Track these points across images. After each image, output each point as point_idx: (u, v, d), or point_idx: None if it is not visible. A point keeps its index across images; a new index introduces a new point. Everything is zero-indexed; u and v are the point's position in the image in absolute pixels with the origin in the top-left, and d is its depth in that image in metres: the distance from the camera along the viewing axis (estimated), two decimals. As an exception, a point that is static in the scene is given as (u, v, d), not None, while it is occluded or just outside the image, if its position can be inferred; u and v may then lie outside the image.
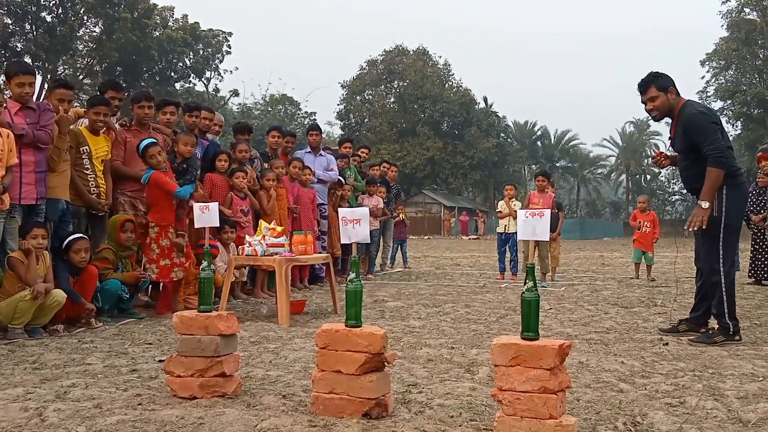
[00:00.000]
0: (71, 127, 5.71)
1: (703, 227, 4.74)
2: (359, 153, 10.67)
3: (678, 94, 5.00)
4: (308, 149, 9.24)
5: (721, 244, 4.81)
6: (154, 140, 5.98)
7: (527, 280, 2.45)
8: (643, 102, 5.08)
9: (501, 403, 2.42)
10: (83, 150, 5.79)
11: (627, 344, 4.64)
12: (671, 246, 16.66)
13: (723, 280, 4.81)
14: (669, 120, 5.10)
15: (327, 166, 9.14)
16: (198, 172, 6.79)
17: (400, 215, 12.94)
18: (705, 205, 4.76)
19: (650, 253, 10.32)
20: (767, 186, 9.49)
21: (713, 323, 4.96)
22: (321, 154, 9.22)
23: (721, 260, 4.80)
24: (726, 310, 4.80)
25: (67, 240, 5.29)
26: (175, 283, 6.04)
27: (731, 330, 4.80)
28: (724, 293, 4.82)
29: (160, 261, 5.91)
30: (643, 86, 5.06)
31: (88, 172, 5.84)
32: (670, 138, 5.21)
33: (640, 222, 10.47)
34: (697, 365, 3.94)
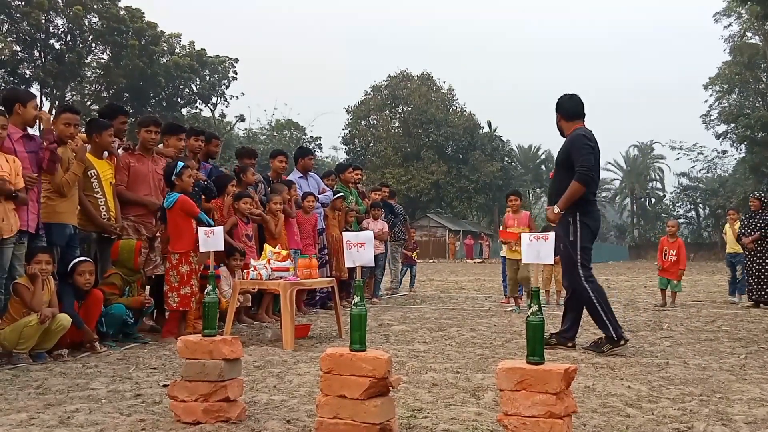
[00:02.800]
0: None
1: (552, 224, 5.51)
2: (354, 175, 10.56)
3: (567, 119, 5.59)
4: (300, 174, 9.14)
5: (579, 265, 5.33)
6: (185, 164, 6.09)
7: (532, 304, 2.44)
8: None
9: (507, 428, 2.40)
10: (91, 173, 5.82)
11: (633, 368, 4.60)
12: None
13: (591, 295, 5.29)
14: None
15: (318, 187, 9.15)
16: (215, 194, 6.92)
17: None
18: (556, 209, 5.40)
19: (675, 280, 9.79)
20: (758, 210, 9.92)
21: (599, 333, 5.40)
22: (311, 177, 9.23)
23: (582, 278, 5.32)
24: (606, 320, 5.24)
25: (71, 263, 5.30)
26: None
27: (615, 336, 5.22)
28: (597, 305, 5.27)
29: (180, 289, 5.90)
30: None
31: (98, 195, 5.87)
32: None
33: (666, 250, 9.97)
34: (704, 390, 3.90)
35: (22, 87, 37.89)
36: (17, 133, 5.21)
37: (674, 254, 9.90)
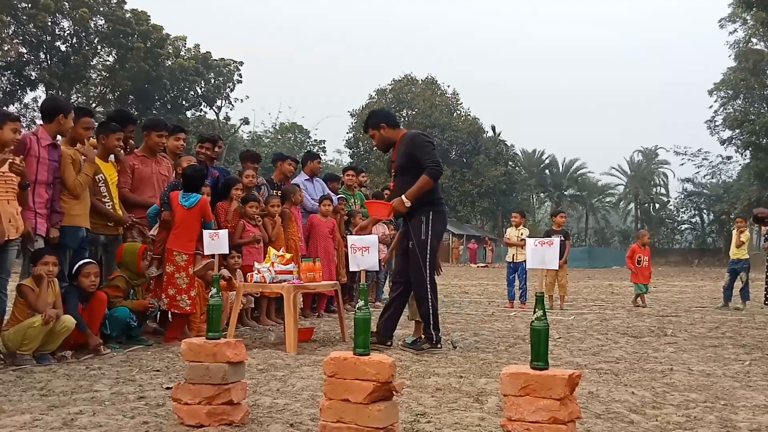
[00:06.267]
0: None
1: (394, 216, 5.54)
2: (352, 178, 10.47)
3: (393, 126, 5.76)
4: (307, 176, 9.14)
5: (427, 263, 5.49)
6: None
7: (536, 309, 2.44)
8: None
9: (510, 434, 2.39)
10: (99, 178, 5.84)
11: (637, 374, 4.59)
12: (681, 275, 16.51)
13: (429, 296, 5.48)
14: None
15: (323, 191, 9.16)
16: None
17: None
18: (407, 203, 5.42)
19: (647, 284, 10.94)
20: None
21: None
22: (316, 181, 9.25)
23: (427, 278, 5.49)
24: (431, 321, 5.46)
25: (77, 265, 5.30)
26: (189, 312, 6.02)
27: (434, 339, 5.47)
28: (430, 307, 5.48)
29: (190, 291, 5.88)
30: (364, 129, 6.07)
31: (105, 199, 5.86)
32: (392, 162, 5.81)
33: (640, 257, 10.98)
34: (708, 396, 3.89)
35: (27, 89, 38.24)
36: (46, 140, 5.27)
37: (646, 260, 11.02)
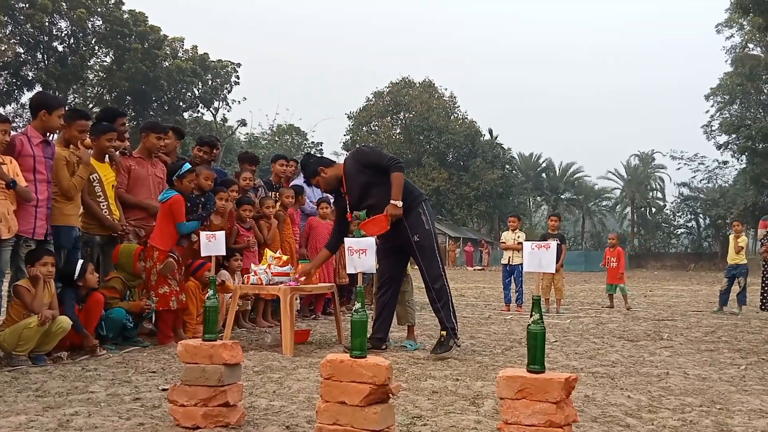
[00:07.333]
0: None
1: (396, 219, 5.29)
2: None
3: (329, 165, 5.71)
4: (303, 179, 9.14)
5: (437, 253, 5.49)
6: (191, 168, 6.07)
7: (533, 312, 2.44)
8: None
9: (506, 437, 2.39)
10: (93, 177, 5.82)
11: (633, 378, 4.60)
12: (677, 279, 16.58)
13: (447, 285, 5.41)
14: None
15: (322, 193, 9.15)
16: (214, 209, 6.70)
17: None
18: (399, 204, 5.32)
19: (622, 284, 11.14)
20: None
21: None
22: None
23: (441, 266, 5.44)
24: (452, 311, 5.39)
25: (80, 266, 5.26)
26: (174, 312, 5.95)
27: (456, 330, 5.36)
28: (449, 296, 5.42)
29: (158, 288, 5.84)
30: (307, 183, 6.11)
31: (101, 199, 5.85)
32: (343, 194, 5.66)
33: (609, 258, 11.48)
34: (704, 400, 3.90)
35: (24, 89, 38.15)
36: (37, 138, 5.25)
37: (615, 261, 11.30)
